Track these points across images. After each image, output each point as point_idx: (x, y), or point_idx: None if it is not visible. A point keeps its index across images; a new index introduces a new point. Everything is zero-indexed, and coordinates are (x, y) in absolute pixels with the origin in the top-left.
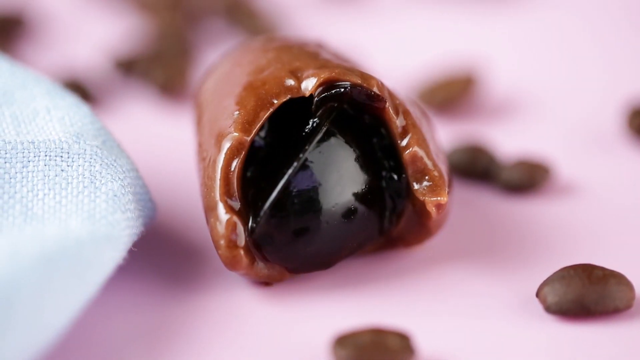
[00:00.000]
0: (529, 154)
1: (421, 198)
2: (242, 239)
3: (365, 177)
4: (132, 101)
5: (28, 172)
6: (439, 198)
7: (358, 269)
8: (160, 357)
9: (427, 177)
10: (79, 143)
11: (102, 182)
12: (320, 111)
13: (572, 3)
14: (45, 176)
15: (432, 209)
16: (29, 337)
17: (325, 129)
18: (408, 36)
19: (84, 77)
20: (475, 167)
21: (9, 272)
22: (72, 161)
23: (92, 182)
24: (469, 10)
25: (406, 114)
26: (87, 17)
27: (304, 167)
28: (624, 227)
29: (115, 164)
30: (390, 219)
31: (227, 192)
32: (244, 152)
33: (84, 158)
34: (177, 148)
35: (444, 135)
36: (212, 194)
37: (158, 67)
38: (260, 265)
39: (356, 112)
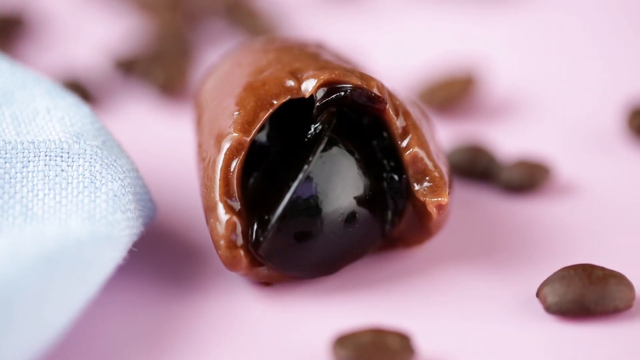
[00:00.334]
0: (529, 154)
1: (422, 199)
2: (241, 239)
3: (368, 182)
4: (132, 101)
5: (28, 172)
6: (439, 199)
7: (358, 270)
8: (160, 357)
9: (427, 178)
10: (79, 143)
11: (102, 182)
12: (322, 117)
13: (572, 3)
14: (45, 176)
15: (432, 210)
16: (29, 337)
17: (326, 139)
18: (408, 36)
19: (84, 77)
20: (475, 167)
21: (9, 272)
22: (72, 161)
23: (92, 182)
24: (469, 10)
25: (406, 114)
26: (87, 17)
27: (308, 179)
28: (624, 227)
29: (115, 164)
30: (392, 220)
31: (226, 193)
32: (243, 153)
33: (84, 158)
34: (177, 148)
35: (444, 135)
36: (212, 194)
37: (158, 67)
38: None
39: (356, 113)
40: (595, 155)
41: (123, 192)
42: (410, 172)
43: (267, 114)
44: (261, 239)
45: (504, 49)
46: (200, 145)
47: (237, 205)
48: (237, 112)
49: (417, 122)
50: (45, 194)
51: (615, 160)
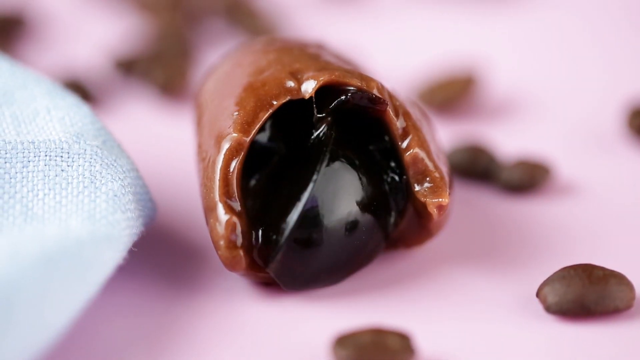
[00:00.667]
0: (529, 154)
1: (422, 199)
2: (241, 239)
3: (371, 190)
4: (133, 101)
5: (28, 172)
6: (440, 199)
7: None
8: (160, 356)
9: (428, 179)
10: (79, 143)
11: (103, 182)
12: (323, 123)
13: (572, 3)
14: (45, 176)
15: (433, 210)
16: (29, 337)
17: (329, 155)
18: (408, 36)
19: (84, 77)
20: (476, 167)
21: (9, 272)
22: (73, 161)
23: (92, 182)
24: (469, 10)
25: (406, 115)
26: (87, 17)
27: (313, 198)
28: (624, 227)
29: (115, 164)
30: (395, 221)
31: (226, 193)
32: (243, 153)
33: (84, 158)
34: (177, 148)
35: (444, 136)
36: (212, 194)
37: (158, 67)
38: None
39: (356, 115)
40: (595, 155)
41: (123, 192)
42: (411, 172)
43: (267, 115)
44: (270, 260)
45: (504, 49)
46: (200, 146)
47: (237, 206)
48: (237, 113)
49: (417, 123)
50: (45, 194)
51: (615, 160)
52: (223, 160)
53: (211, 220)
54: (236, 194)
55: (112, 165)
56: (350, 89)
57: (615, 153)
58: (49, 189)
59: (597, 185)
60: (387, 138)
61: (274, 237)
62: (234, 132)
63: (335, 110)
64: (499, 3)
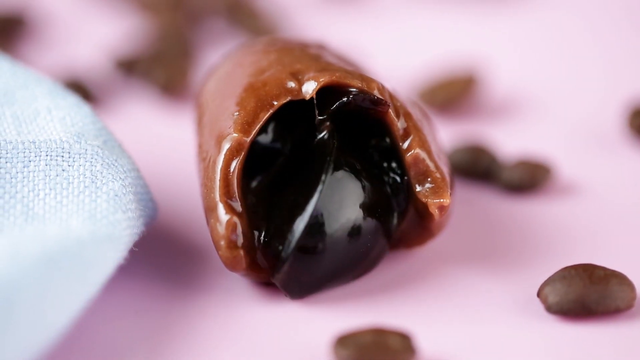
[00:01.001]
0: (530, 153)
1: (423, 200)
2: (242, 239)
3: (375, 196)
4: (133, 101)
5: (29, 171)
6: (441, 200)
7: None
8: (161, 356)
9: (429, 179)
10: (80, 143)
11: (103, 182)
12: (325, 126)
13: (573, 3)
14: (46, 176)
15: (434, 211)
16: (30, 337)
17: (333, 165)
18: (409, 36)
19: (85, 77)
20: (476, 167)
21: (9, 272)
22: (73, 161)
23: (93, 182)
24: (469, 10)
25: (407, 116)
26: (88, 17)
27: (318, 209)
28: (625, 227)
29: (116, 164)
30: (398, 222)
31: (226, 193)
32: (243, 153)
33: (85, 158)
34: (178, 148)
35: (445, 136)
36: (212, 194)
37: (159, 67)
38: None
39: (357, 115)
40: (596, 155)
41: (124, 191)
42: (412, 173)
43: (267, 115)
44: (276, 271)
45: (504, 49)
46: (200, 146)
47: (237, 206)
48: (238, 113)
49: (418, 123)
50: (46, 194)
51: (616, 160)
52: (223, 161)
53: (212, 220)
54: (237, 194)
55: (113, 165)
56: (352, 91)
57: (616, 153)
58: (50, 189)
59: (598, 185)
60: (387, 140)
61: (280, 247)
62: (235, 132)
63: (337, 111)
64: (500, 3)
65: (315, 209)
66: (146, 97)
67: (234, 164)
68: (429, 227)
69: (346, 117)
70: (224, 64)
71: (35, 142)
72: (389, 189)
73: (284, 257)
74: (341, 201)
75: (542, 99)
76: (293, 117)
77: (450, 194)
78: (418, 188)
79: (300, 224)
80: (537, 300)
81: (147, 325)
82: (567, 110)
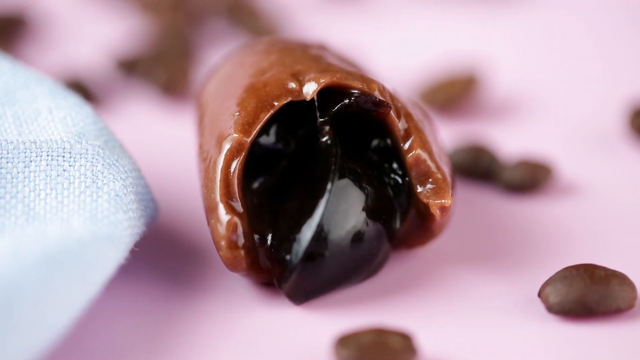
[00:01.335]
0: (531, 154)
1: (425, 201)
2: (242, 239)
3: (379, 200)
4: (134, 101)
5: (30, 172)
6: (443, 201)
7: None
8: (161, 356)
9: (430, 180)
10: (81, 143)
11: (104, 182)
12: (327, 130)
13: (574, 3)
14: (47, 176)
15: (436, 212)
16: (31, 337)
17: (338, 174)
18: (410, 36)
19: (86, 77)
20: (477, 167)
21: (10, 272)
22: (74, 161)
23: (94, 182)
24: (470, 10)
25: (408, 116)
26: (89, 17)
27: (324, 219)
28: (626, 227)
29: (117, 164)
30: (401, 223)
31: (227, 194)
32: (243, 153)
33: (86, 158)
34: (179, 148)
35: (446, 136)
36: (213, 195)
37: (160, 67)
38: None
39: (357, 116)
40: (597, 155)
41: (125, 192)
42: (413, 174)
43: (268, 115)
44: (282, 281)
45: (505, 49)
46: (201, 146)
47: (238, 206)
48: (238, 113)
49: (419, 124)
50: (47, 194)
51: (617, 160)
52: (224, 161)
53: (212, 220)
54: (237, 195)
55: (114, 165)
56: (353, 92)
57: (617, 153)
58: (51, 189)
59: (599, 185)
60: (389, 140)
61: (286, 256)
62: (235, 133)
63: (338, 112)
64: (501, 3)
65: (321, 220)
66: (147, 97)
67: (235, 164)
68: (430, 227)
69: (347, 118)
70: (224, 65)
71: (36, 142)
72: (390, 191)
73: (291, 267)
74: (347, 210)
75: (543, 99)
76: (294, 118)
77: (451, 194)
78: (419, 189)
79: (307, 234)
80: (538, 300)
81: (147, 325)
82: (568, 110)
